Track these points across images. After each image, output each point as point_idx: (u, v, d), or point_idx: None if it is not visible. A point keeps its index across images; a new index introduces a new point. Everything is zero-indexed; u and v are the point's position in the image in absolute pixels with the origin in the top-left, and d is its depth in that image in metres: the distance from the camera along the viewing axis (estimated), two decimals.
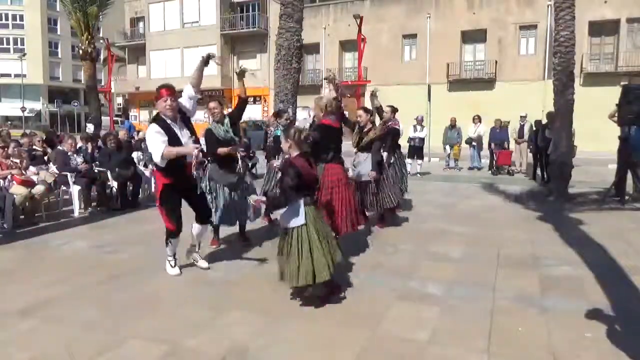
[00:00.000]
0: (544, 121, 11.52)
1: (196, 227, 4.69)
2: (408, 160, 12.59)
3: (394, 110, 7.48)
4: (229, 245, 5.61)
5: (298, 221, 3.67)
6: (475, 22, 25.40)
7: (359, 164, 6.13)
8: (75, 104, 43.95)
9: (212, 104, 5.15)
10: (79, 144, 8.86)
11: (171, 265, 4.60)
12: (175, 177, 4.30)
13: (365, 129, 6.07)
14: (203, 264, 4.76)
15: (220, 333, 3.37)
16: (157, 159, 4.19)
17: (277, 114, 7.14)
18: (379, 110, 6.70)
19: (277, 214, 3.77)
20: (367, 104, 7.51)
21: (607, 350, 3.09)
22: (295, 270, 3.62)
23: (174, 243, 4.55)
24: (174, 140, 4.20)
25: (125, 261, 5.02)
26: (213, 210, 5.10)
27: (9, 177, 6.86)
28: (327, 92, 5.52)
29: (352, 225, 5.14)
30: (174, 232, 4.46)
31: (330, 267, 3.66)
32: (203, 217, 4.67)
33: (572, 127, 9.18)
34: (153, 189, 9.23)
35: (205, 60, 4.55)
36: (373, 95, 6.66)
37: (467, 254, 5.33)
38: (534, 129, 12.34)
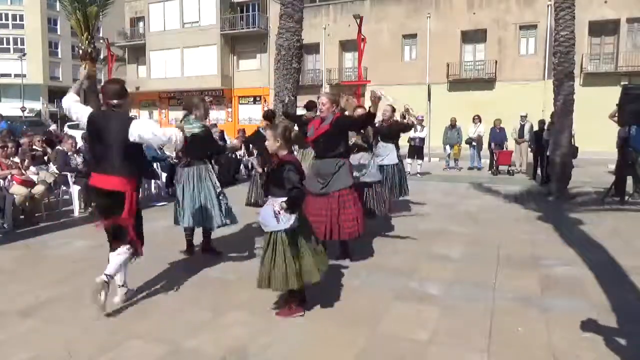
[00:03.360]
0: (547, 121, 11.50)
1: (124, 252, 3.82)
2: (408, 160, 12.63)
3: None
4: (225, 246, 5.59)
5: (291, 223, 3.40)
6: (475, 22, 25.39)
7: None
8: None
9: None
10: (79, 144, 8.86)
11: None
12: None
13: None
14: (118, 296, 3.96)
15: (220, 333, 3.37)
16: (177, 139, 3.81)
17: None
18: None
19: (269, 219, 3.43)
20: (367, 104, 7.43)
21: (607, 350, 3.09)
22: (283, 274, 3.39)
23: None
24: None
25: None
26: (180, 213, 5.00)
27: (9, 177, 6.87)
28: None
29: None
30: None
31: (319, 270, 3.51)
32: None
33: (573, 127, 9.18)
34: (153, 189, 9.26)
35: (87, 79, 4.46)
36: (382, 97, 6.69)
37: (467, 254, 5.33)
38: (535, 129, 12.34)
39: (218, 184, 5.16)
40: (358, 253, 5.21)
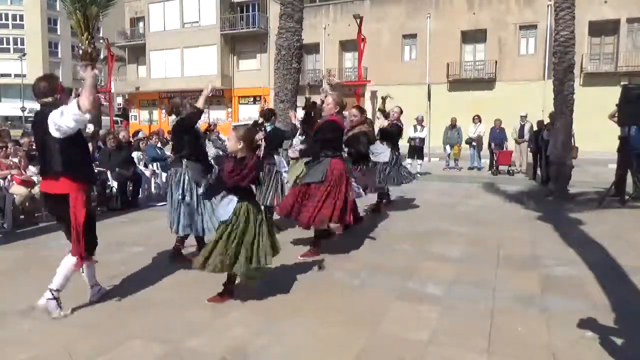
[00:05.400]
0: (546, 121, 11.49)
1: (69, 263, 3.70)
2: (408, 160, 12.62)
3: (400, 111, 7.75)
4: None
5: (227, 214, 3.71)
6: (475, 22, 25.39)
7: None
8: None
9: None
10: None
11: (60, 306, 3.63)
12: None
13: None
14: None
15: (220, 333, 3.37)
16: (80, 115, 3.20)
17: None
18: (384, 112, 7.49)
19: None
20: (367, 104, 7.65)
21: (607, 350, 3.09)
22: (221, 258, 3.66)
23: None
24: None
25: (125, 261, 5.02)
26: (180, 218, 4.80)
27: (9, 177, 6.87)
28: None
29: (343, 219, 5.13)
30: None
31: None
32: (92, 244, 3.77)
33: (572, 127, 9.18)
34: (153, 189, 9.26)
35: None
36: (384, 99, 7.18)
37: (467, 254, 5.32)
38: (535, 129, 12.34)
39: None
40: (357, 253, 5.21)
